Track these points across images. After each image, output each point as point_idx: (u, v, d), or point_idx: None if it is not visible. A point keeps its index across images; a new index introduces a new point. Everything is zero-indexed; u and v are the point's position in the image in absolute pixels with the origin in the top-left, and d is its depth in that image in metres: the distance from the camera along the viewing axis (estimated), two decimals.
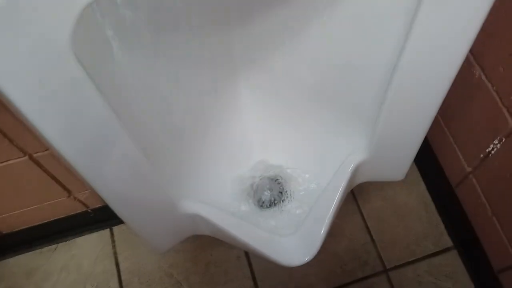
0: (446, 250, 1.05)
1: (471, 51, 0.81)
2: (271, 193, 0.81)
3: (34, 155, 0.79)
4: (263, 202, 0.81)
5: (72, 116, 0.43)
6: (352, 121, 0.71)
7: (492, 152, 0.84)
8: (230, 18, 0.64)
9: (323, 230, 0.68)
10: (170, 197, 0.63)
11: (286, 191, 0.80)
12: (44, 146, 0.78)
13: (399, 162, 0.69)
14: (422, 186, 1.12)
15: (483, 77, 0.81)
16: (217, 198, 0.76)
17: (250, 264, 1.04)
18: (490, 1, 0.46)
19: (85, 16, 0.37)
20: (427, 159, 1.08)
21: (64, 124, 0.42)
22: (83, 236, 1.09)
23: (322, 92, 0.72)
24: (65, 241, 1.09)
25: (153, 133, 0.65)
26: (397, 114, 0.62)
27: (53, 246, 1.08)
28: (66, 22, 0.36)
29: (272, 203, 0.80)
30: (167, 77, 0.65)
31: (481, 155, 0.88)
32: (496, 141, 0.82)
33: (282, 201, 0.80)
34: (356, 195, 1.11)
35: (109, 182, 0.52)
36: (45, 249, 1.08)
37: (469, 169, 0.94)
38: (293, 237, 0.69)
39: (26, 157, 0.79)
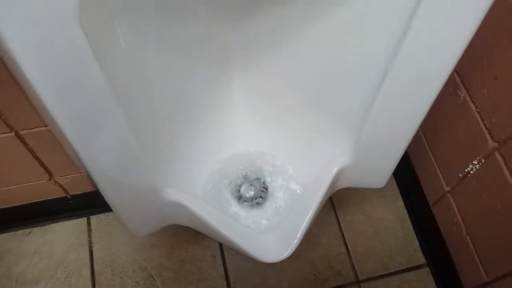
0: (418, 266, 1.06)
1: (458, 73, 0.84)
2: (253, 189, 0.82)
3: (21, 132, 0.79)
4: (245, 198, 0.82)
5: (70, 82, 0.43)
6: (339, 125, 0.73)
7: (471, 172, 0.87)
8: (231, 14, 0.66)
9: (301, 230, 0.69)
10: (154, 182, 0.63)
11: (267, 188, 0.81)
12: (33, 123, 0.77)
13: (380, 169, 0.71)
14: (400, 202, 1.14)
15: (468, 98, 0.84)
16: (199, 189, 0.76)
17: (224, 264, 1.04)
18: (477, 20, 0.48)
19: None
20: (407, 175, 1.11)
21: (61, 89, 0.43)
22: (60, 223, 1.08)
23: (312, 94, 0.74)
24: (41, 226, 1.07)
25: (144, 117, 0.66)
26: (382, 123, 0.63)
27: (28, 230, 1.07)
28: None
29: (253, 199, 0.81)
30: (164, 64, 0.66)
31: (460, 175, 0.90)
32: (475, 162, 0.85)
33: (263, 197, 0.81)
34: (336, 206, 1.12)
35: (97, 155, 0.52)
36: (19, 232, 1.07)
37: (447, 188, 0.96)
38: (271, 234, 0.70)
39: (12, 133, 0.79)
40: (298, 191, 0.80)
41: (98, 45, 0.45)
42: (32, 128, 0.79)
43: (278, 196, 0.82)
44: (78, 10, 0.40)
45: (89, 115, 0.48)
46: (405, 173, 1.10)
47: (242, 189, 0.82)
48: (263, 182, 0.83)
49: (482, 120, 0.81)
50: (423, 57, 0.53)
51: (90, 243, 1.07)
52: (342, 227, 1.10)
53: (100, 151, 0.53)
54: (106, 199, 0.62)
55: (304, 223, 0.69)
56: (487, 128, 0.80)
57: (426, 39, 0.51)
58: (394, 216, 1.12)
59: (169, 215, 0.70)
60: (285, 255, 0.67)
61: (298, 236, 0.68)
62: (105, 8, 0.53)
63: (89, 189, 1.02)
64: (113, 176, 0.58)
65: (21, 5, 0.37)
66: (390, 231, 1.10)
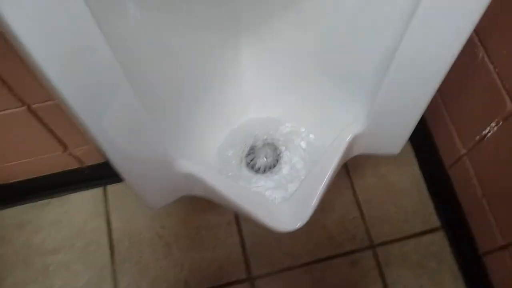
0: (433, 230, 1.06)
1: (476, 31, 0.81)
2: (267, 156, 0.81)
3: (33, 106, 0.79)
4: (259, 165, 0.81)
5: (75, 57, 0.42)
6: (353, 90, 0.71)
7: (488, 134, 0.85)
8: None
9: (315, 199, 0.68)
10: (166, 154, 0.63)
11: (281, 154, 0.80)
12: (44, 97, 0.77)
13: (396, 136, 0.70)
14: (416, 165, 1.13)
15: (486, 59, 0.81)
16: (212, 158, 0.76)
17: (240, 230, 1.06)
18: None
19: None
20: (423, 138, 1.09)
21: (66, 64, 0.42)
22: (77, 193, 1.10)
23: (325, 58, 0.72)
24: (58, 197, 1.09)
25: (153, 87, 0.65)
26: (398, 87, 0.62)
27: (46, 201, 1.09)
28: None
29: (267, 167, 0.81)
30: (172, 32, 0.64)
31: (477, 137, 0.89)
32: (493, 124, 0.83)
33: (277, 164, 0.80)
34: (350, 170, 1.12)
35: (108, 130, 0.52)
36: (38, 203, 1.09)
37: (463, 151, 0.95)
38: (285, 203, 0.69)
39: (25, 108, 0.79)
40: (312, 156, 0.79)
41: (102, 16, 0.43)
42: (43, 102, 0.78)
43: (292, 163, 0.81)
44: None
45: (97, 89, 0.47)
46: (420, 136, 1.08)
47: (255, 157, 0.82)
48: (276, 149, 0.82)
49: (501, 81, 0.79)
50: (440, 19, 0.51)
51: (107, 212, 1.08)
52: (357, 191, 1.10)
53: (110, 124, 0.53)
54: (119, 173, 0.62)
55: (319, 191, 0.68)
56: (505, 89, 0.78)
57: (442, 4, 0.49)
58: (409, 179, 1.11)
59: (183, 187, 0.70)
60: (300, 224, 0.67)
61: (313, 205, 0.68)
62: None
63: (104, 159, 1.02)
64: (125, 150, 0.57)
65: None
66: (405, 194, 1.09)
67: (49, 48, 0.40)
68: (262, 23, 0.72)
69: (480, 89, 0.85)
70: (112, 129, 0.54)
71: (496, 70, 0.79)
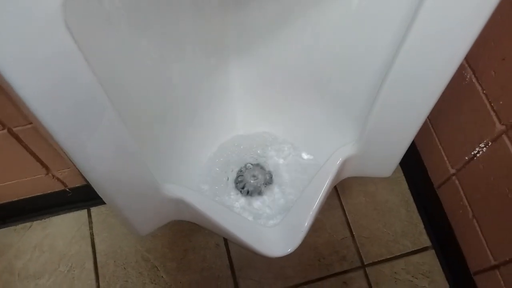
0: (424, 249, 1.06)
1: None
2: (255, 178, 0.80)
3: (14, 129, 0.76)
4: (247, 187, 0.80)
5: (58, 86, 0.41)
6: (343, 113, 0.71)
7: (478, 155, 0.85)
8: (226, 3, 0.62)
9: (307, 223, 0.67)
10: (154, 179, 0.61)
11: (270, 176, 0.79)
12: (25, 120, 0.75)
13: (387, 159, 0.69)
14: (404, 184, 1.12)
15: (474, 80, 0.81)
16: (200, 182, 0.74)
17: (228, 252, 1.03)
18: (491, 6, 0.46)
19: None
20: (411, 158, 1.09)
21: (49, 93, 0.40)
22: (60, 216, 1.06)
23: (315, 81, 0.71)
24: (41, 220, 1.06)
25: (140, 112, 0.63)
26: (389, 111, 0.61)
27: (28, 224, 1.06)
28: None
29: (255, 188, 0.79)
30: (159, 55, 0.63)
31: (466, 158, 0.88)
32: (482, 145, 0.83)
33: (265, 186, 0.79)
34: (339, 190, 1.11)
35: (92, 158, 0.50)
36: (20, 226, 1.05)
37: (452, 171, 0.94)
38: (276, 228, 0.68)
39: (5, 131, 0.76)
40: (302, 177, 0.78)
41: (86, 42, 0.42)
42: (25, 125, 0.76)
43: (281, 184, 0.80)
44: (62, 9, 0.37)
45: (81, 118, 0.45)
46: (409, 155, 1.08)
47: (244, 178, 0.80)
48: (265, 170, 0.81)
49: (489, 102, 0.79)
50: (432, 45, 0.51)
51: (92, 235, 1.05)
52: (346, 211, 1.09)
53: (94, 151, 0.51)
54: (104, 199, 0.60)
55: (310, 216, 0.67)
56: (494, 111, 0.78)
57: (435, 27, 0.49)
58: (399, 198, 1.10)
59: (170, 212, 0.69)
60: (291, 249, 0.66)
61: (304, 229, 0.67)
62: (94, 4, 0.50)
63: (87, 181, 1.00)
64: (109, 175, 0.56)
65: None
66: (395, 214, 1.09)
67: (31, 76, 0.39)
68: (251, 44, 0.71)
69: (469, 109, 0.85)
70: (96, 156, 0.52)
71: (484, 91, 0.79)
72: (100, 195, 0.57)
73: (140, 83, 0.63)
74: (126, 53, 0.58)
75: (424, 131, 1.00)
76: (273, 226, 0.69)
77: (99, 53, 0.50)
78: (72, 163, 0.52)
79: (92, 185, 0.54)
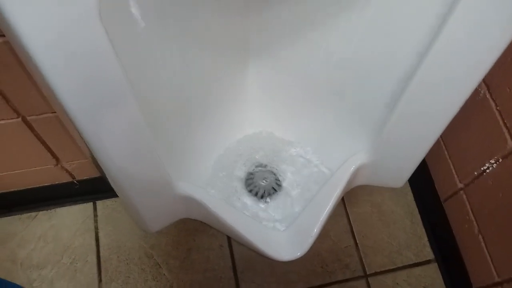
0: (427, 262, 1.06)
1: None
2: (266, 181, 0.80)
3: (28, 118, 0.77)
4: (257, 190, 0.80)
5: (87, 78, 0.41)
6: (359, 121, 0.71)
7: (487, 171, 0.85)
8: (250, 5, 0.63)
9: (316, 228, 0.67)
10: (168, 175, 0.62)
11: (280, 180, 0.79)
12: (40, 109, 0.75)
13: (400, 169, 0.69)
14: (410, 196, 1.12)
15: (488, 96, 0.81)
16: (211, 180, 0.75)
17: (232, 254, 1.04)
18: None
19: None
20: (419, 169, 1.08)
21: (78, 84, 0.41)
22: (65, 207, 1.07)
23: (332, 88, 0.71)
24: (46, 210, 1.06)
25: (157, 109, 0.64)
26: (406, 123, 0.61)
27: (33, 214, 1.06)
28: None
29: (266, 191, 0.80)
30: (181, 54, 0.63)
31: (475, 173, 0.88)
32: (492, 161, 0.83)
33: (276, 189, 0.79)
34: (345, 198, 1.11)
35: (112, 150, 0.50)
36: (25, 215, 1.05)
37: (460, 185, 0.94)
38: (285, 232, 0.68)
39: (19, 119, 0.77)
40: (313, 186, 0.78)
41: (116, 37, 0.42)
42: (39, 114, 0.77)
43: (291, 189, 0.80)
44: (98, 5, 0.37)
45: (104, 107, 0.45)
46: (417, 167, 1.08)
47: (254, 181, 0.80)
48: (275, 174, 0.81)
49: (502, 119, 0.79)
50: (455, 59, 0.51)
51: (96, 229, 1.05)
52: (351, 220, 1.09)
53: (113, 144, 0.51)
54: (118, 192, 0.60)
55: (320, 222, 0.67)
56: (507, 127, 0.78)
57: (458, 43, 0.49)
58: (404, 210, 1.10)
59: (181, 209, 0.69)
60: (300, 253, 0.66)
61: (313, 235, 0.67)
62: (125, 1, 0.50)
63: (95, 174, 1.00)
64: (126, 169, 0.56)
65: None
66: (399, 225, 1.09)
67: (63, 66, 0.39)
68: (271, 47, 0.72)
69: (481, 125, 0.85)
70: (115, 148, 0.52)
71: (498, 108, 0.80)
72: (114, 188, 0.57)
73: (159, 80, 0.64)
74: (148, 51, 0.58)
75: (434, 144, 1.00)
76: (283, 230, 0.69)
77: (126, 50, 0.50)
78: (87, 154, 0.53)
79: (108, 178, 0.54)
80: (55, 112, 0.76)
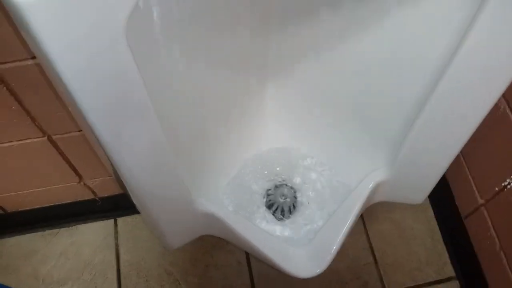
0: (448, 279, 1.04)
1: None
2: (285, 198, 0.81)
3: (53, 137, 0.79)
4: (276, 207, 0.80)
5: (114, 99, 0.43)
6: (378, 137, 0.71)
7: (508, 186, 0.84)
8: (270, 24, 0.64)
9: (336, 245, 0.68)
10: (188, 191, 0.63)
11: (298, 197, 0.79)
12: (65, 129, 0.78)
13: (420, 186, 0.69)
14: (430, 212, 1.11)
15: (508, 111, 0.81)
16: (229, 200, 0.75)
17: (250, 271, 1.03)
18: None
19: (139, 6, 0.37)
20: (439, 186, 1.07)
21: (105, 104, 0.42)
22: (87, 224, 1.08)
23: (351, 105, 0.72)
24: (68, 227, 1.08)
25: (178, 124, 0.65)
26: (425, 139, 0.62)
27: (55, 230, 1.07)
28: (125, 5, 0.36)
29: (285, 208, 0.80)
30: (201, 73, 0.65)
31: (496, 188, 0.88)
32: None
33: (294, 207, 0.79)
34: (364, 215, 1.10)
35: (135, 168, 0.51)
36: (47, 232, 1.07)
37: (481, 201, 0.94)
38: (304, 249, 0.68)
39: (45, 138, 0.79)
40: (332, 202, 0.79)
41: (140, 58, 0.44)
42: (64, 133, 0.79)
43: (310, 206, 0.80)
44: (125, 25, 0.39)
45: (129, 127, 0.47)
46: (437, 183, 1.07)
47: (273, 197, 0.81)
48: (294, 191, 0.81)
49: None
50: (473, 77, 0.52)
51: (117, 245, 1.07)
52: (370, 237, 1.08)
53: (136, 159, 0.53)
54: (140, 210, 0.61)
55: (339, 239, 0.68)
56: None
57: (475, 63, 0.50)
58: (424, 226, 1.09)
59: (201, 226, 0.70)
60: (319, 270, 0.66)
61: (332, 252, 0.67)
62: (149, 23, 0.52)
63: (116, 191, 1.02)
64: (150, 187, 0.57)
65: (71, 27, 0.36)
66: (420, 242, 1.08)
67: (91, 87, 0.41)
68: (289, 65, 0.73)
69: (501, 140, 0.84)
70: (137, 164, 0.53)
71: None
72: (136, 204, 0.58)
73: (180, 98, 0.65)
74: (169, 70, 0.60)
75: (454, 159, 1.00)
76: (302, 247, 0.69)
77: (149, 69, 0.51)
78: (110, 171, 0.54)
79: (131, 194, 0.56)
80: (79, 131, 0.78)
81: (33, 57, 0.61)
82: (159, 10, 0.51)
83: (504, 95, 0.81)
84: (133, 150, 0.49)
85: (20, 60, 0.61)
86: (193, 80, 0.64)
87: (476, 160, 0.94)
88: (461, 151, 0.98)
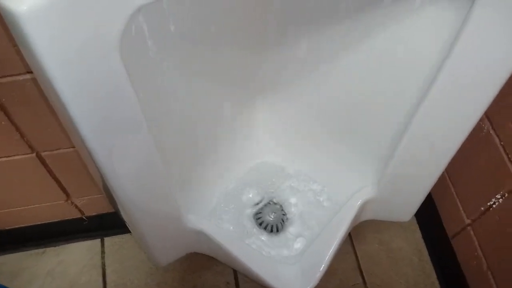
0: None
1: None
2: (274, 215, 0.81)
3: (42, 153, 0.79)
4: (265, 224, 0.81)
5: (107, 112, 0.43)
6: (365, 156, 0.72)
7: (494, 206, 0.85)
8: (265, 43, 0.66)
9: (324, 264, 0.68)
10: (178, 207, 0.63)
11: (286, 214, 0.80)
12: (54, 145, 0.77)
13: (407, 203, 0.70)
14: (418, 233, 1.12)
15: (491, 132, 0.83)
16: (218, 217, 0.75)
17: None
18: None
19: (133, 20, 0.38)
20: (426, 206, 1.08)
21: (97, 116, 0.43)
22: (74, 243, 1.07)
23: (339, 123, 0.74)
24: (55, 246, 1.07)
25: (170, 141, 0.66)
26: (410, 157, 0.63)
27: (42, 250, 1.06)
28: (119, 21, 0.37)
29: (274, 225, 0.80)
30: (193, 89, 0.65)
31: (482, 208, 0.89)
32: (498, 196, 0.83)
33: (283, 223, 0.80)
34: (352, 235, 1.11)
35: (126, 182, 0.52)
36: (34, 251, 1.06)
37: (468, 221, 0.95)
38: (293, 266, 0.69)
39: (33, 154, 0.79)
40: (321, 220, 0.79)
41: (133, 72, 0.45)
42: (54, 150, 0.78)
43: (299, 223, 0.81)
44: (119, 40, 0.40)
45: (122, 141, 0.47)
46: (424, 204, 1.08)
47: (262, 215, 0.81)
48: (283, 208, 0.82)
49: (507, 154, 0.80)
50: (456, 96, 0.53)
51: (103, 265, 1.05)
52: (359, 257, 1.08)
53: (127, 173, 0.53)
54: (129, 226, 0.61)
55: (328, 256, 0.68)
56: (511, 162, 0.79)
57: (458, 82, 0.51)
58: (412, 247, 1.10)
59: (190, 243, 0.70)
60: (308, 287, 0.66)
61: (321, 269, 0.67)
62: (142, 38, 0.53)
63: (104, 210, 1.02)
64: (140, 202, 0.57)
65: (67, 41, 0.37)
66: (407, 262, 1.08)
67: (85, 101, 0.41)
68: (280, 83, 0.74)
69: (485, 160, 0.86)
70: (129, 179, 0.54)
71: (502, 143, 0.81)
72: (126, 220, 0.58)
73: (171, 113, 0.66)
74: (161, 85, 0.61)
75: (439, 180, 1.00)
76: (291, 264, 0.69)
77: (141, 84, 0.52)
78: (100, 188, 0.54)
79: (121, 210, 0.56)
80: (70, 148, 0.78)
81: (27, 72, 0.62)
82: (152, 27, 0.52)
83: (487, 116, 0.83)
84: (125, 164, 0.50)
85: (12, 75, 0.62)
86: (183, 96, 0.65)
87: (461, 180, 0.95)
88: (447, 172, 0.99)
